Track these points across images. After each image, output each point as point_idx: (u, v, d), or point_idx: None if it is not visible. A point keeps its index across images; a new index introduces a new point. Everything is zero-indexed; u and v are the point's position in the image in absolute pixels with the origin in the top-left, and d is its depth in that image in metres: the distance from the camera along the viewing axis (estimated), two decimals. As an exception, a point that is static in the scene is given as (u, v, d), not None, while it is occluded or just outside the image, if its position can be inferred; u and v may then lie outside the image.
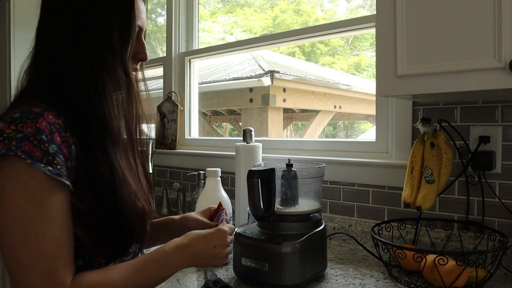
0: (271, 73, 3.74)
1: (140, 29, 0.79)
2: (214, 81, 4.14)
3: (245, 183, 1.00)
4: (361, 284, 1.03)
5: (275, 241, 0.98)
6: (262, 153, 1.50)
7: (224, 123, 5.52)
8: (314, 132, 4.52)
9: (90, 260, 0.73)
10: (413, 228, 1.23)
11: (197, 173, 1.59)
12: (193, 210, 1.29)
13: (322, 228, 1.07)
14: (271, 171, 1.03)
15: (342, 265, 1.17)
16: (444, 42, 0.88)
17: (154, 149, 2.03)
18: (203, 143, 2.02)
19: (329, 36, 1.60)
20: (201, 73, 4.03)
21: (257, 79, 3.77)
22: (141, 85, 0.87)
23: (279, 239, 0.98)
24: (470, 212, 1.17)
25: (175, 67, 2.12)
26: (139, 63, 0.83)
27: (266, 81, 3.71)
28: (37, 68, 0.75)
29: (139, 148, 0.84)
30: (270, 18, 6.42)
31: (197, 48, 2.11)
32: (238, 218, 1.46)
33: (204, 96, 4.15)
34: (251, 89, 3.96)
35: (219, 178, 1.27)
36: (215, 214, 0.99)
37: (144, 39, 0.83)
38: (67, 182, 0.65)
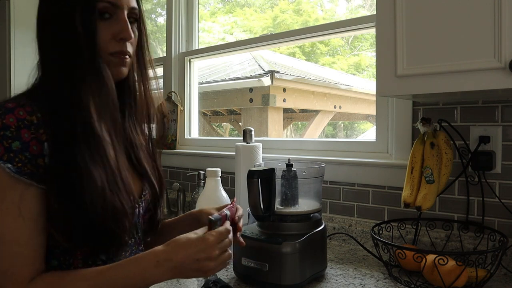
0: (271, 73, 3.74)
1: (114, 5, 0.73)
2: (214, 81, 4.14)
3: (245, 183, 1.00)
4: (361, 284, 1.03)
5: (275, 241, 0.98)
6: (262, 153, 1.50)
7: (224, 123, 5.52)
8: (314, 132, 4.52)
9: (65, 262, 0.71)
10: (413, 228, 1.24)
11: (197, 173, 1.59)
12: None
13: (322, 228, 1.07)
14: (271, 171, 1.03)
15: (342, 265, 1.17)
16: (444, 42, 0.88)
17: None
18: (203, 143, 2.02)
19: (329, 36, 1.60)
20: (201, 73, 4.04)
21: (257, 79, 3.77)
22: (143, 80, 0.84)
23: (279, 239, 0.98)
24: (470, 212, 1.17)
25: (175, 67, 2.12)
26: (126, 44, 0.76)
27: (266, 81, 3.72)
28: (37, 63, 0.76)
29: (134, 143, 0.81)
30: (270, 18, 6.42)
31: (197, 48, 2.11)
32: (238, 218, 1.46)
33: (204, 96, 4.15)
34: (251, 89, 3.96)
35: (219, 178, 1.27)
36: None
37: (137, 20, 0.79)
38: (29, 181, 0.64)
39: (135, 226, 0.80)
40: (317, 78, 4.63)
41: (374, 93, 1.10)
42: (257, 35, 4.11)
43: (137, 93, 0.83)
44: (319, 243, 1.05)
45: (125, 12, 0.74)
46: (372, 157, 1.39)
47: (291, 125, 5.35)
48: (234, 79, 4.05)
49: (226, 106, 4.63)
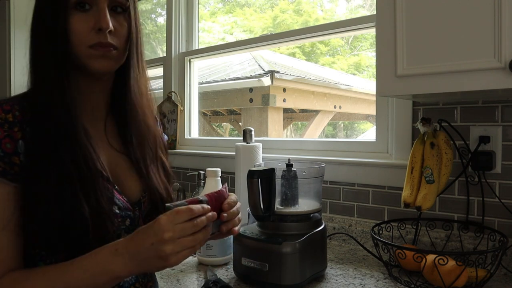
0: (271, 73, 3.74)
1: None
2: (214, 81, 4.14)
3: (245, 183, 1.00)
4: (361, 284, 1.03)
5: (275, 241, 0.98)
6: (262, 153, 1.50)
7: (224, 123, 5.52)
8: (314, 132, 4.52)
9: (51, 264, 0.70)
10: (413, 228, 1.24)
11: (197, 173, 1.59)
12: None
13: (322, 228, 1.07)
14: (271, 171, 1.03)
15: (342, 265, 1.17)
16: (444, 42, 0.88)
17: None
18: (203, 143, 2.02)
19: (329, 36, 1.60)
20: (201, 73, 4.04)
21: (257, 79, 3.77)
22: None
23: (279, 239, 0.98)
24: (470, 212, 1.17)
25: (175, 67, 2.12)
26: (106, 34, 0.72)
27: (266, 81, 3.72)
28: None
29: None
30: (270, 18, 6.43)
31: (197, 48, 2.11)
32: (238, 218, 1.46)
33: (204, 96, 4.15)
34: (251, 89, 3.96)
35: (219, 178, 1.27)
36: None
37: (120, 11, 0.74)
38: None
39: (133, 229, 0.78)
40: (317, 78, 4.63)
41: (374, 93, 1.10)
42: (257, 35, 4.11)
43: (132, 89, 0.80)
44: (319, 243, 1.05)
45: (106, 2, 0.71)
46: (372, 157, 1.39)
47: (291, 125, 5.35)
48: (234, 79, 4.05)
49: (226, 106, 4.63)
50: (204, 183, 1.31)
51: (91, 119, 0.77)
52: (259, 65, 4.02)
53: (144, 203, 0.81)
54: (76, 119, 0.71)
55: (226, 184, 0.81)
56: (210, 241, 1.15)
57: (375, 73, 1.00)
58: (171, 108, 2.11)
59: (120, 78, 0.79)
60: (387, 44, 0.96)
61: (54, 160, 0.67)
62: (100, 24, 0.70)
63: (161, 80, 2.21)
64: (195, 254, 1.23)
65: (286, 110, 4.49)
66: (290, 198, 1.06)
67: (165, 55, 2.16)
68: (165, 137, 0.96)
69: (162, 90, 2.19)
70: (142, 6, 3.04)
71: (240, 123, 4.62)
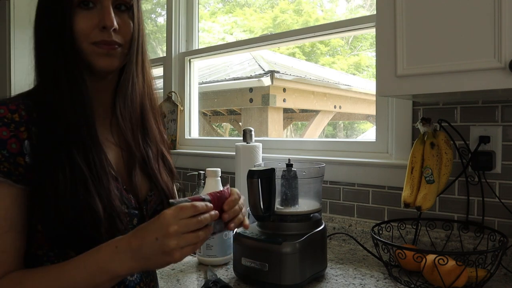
0: (271, 73, 3.74)
1: None
2: (214, 81, 4.14)
3: (245, 183, 1.00)
4: (361, 284, 1.03)
5: (275, 241, 0.98)
6: (262, 153, 1.50)
7: (224, 123, 5.52)
8: (314, 132, 4.52)
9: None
10: (413, 228, 1.24)
11: (197, 173, 1.59)
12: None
13: (322, 228, 1.07)
14: (271, 171, 1.03)
15: (342, 265, 1.17)
16: (444, 42, 0.88)
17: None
18: (203, 143, 2.02)
19: (329, 36, 1.60)
20: (201, 73, 4.04)
21: (257, 79, 3.77)
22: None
23: (279, 239, 0.98)
24: (470, 212, 1.17)
25: (175, 67, 2.12)
26: (109, 32, 0.72)
27: (266, 81, 3.72)
28: None
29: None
30: (270, 18, 6.43)
31: (197, 48, 2.11)
32: (238, 218, 1.46)
33: (204, 96, 4.15)
34: (251, 89, 3.96)
35: (219, 178, 1.27)
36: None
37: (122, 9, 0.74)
38: (3, 179, 0.64)
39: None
40: (317, 78, 4.63)
41: (374, 93, 1.10)
42: (257, 35, 4.11)
43: (135, 88, 0.80)
44: (319, 243, 1.05)
45: (110, 0, 0.71)
46: (372, 157, 1.39)
47: (291, 125, 5.35)
48: (234, 79, 4.05)
49: (226, 106, 4.63)
50: (204, 183, 1.31)
51: (97, 118, 0.77)
52: (259, 65, 4.02)
53: (151, 202, 0.81)
54: (86, 117, 0.71)
55: (228, 185, 0.81)
56: (210, 241, 1.15)
57: (375, 73, 1.00)
58: (171, 108, 2.11)
59: (124, 77, 0.79)
60: (387, 44, 0.96)
61: (66, 159, 0.67)
62: (105, 22, 0.70)
63: (161, 80, 2.21)
64: (194, 253, 1.23)
65: (286, 110, 4.49)
66: (290, 198, 1.06)
67: (165, 55, 2.16)
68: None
69: (162, 90, 2.19)
70: (142, 6, 3.03)
71: (240, 123, 4.62)
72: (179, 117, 2.09)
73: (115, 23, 0.71)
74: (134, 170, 0.79)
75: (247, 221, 0.78)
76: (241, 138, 1.51)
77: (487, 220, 1.14)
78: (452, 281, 0.93)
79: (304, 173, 1.08)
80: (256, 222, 1.09)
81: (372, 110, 3.88)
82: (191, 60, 2.10)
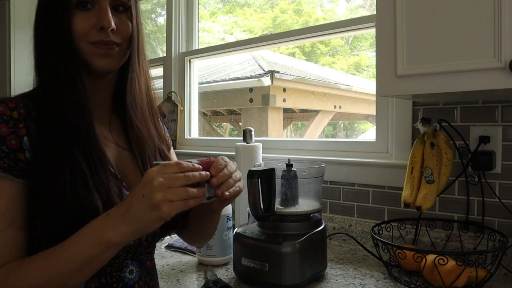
0: (271, 73, 3.74)
1: None
2: (214, 81, 4.14)
3: (245, 183, 1.00)
4: (361, 284, 1.03)
5: (275, 241, 0.98)
6: (262, 153, 1.50)
7: (224, 123, 5.52)
8: (314, 132, 4.52)
9: None
10: (413, 228, 1.24)
11: (197, 173, 1.58)
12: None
13: (322, 228, 1.07)
14: (271, 171, 1.03)
15: (342, 265, 1.17)
16: (444, 42, 0.88)
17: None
18: (203, 143, 2.02)
19: (329, 36, 1.60)
20: (201, 73, 4.04)
21: (257, 79, 3.77)
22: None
23: (279, 239, 0.98)
24: (470, 212, 1.17)
25: (175, 67, 2.12)
26: (107, 32, 0.72)
27: (266, 81, 3.72)
28: None
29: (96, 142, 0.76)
30: (270, 18, 6.43)
31: (197, 48, 2.11)
32: (238, 218, 1.46)
33: (204, 96, 4.15)
34: (251, 89, 3.96)
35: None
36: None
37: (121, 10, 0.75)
38: (4, 174, 0.64)
39: None
40: (317, 78, 4.63)
41: (374, 93, 1.10)
42: (257, 35, 4.11)
43: (132, 87, 0.80)
44: (319, 243, 1.05)
45: (108, 1, 0.72)
46: (372, 157, 1.39)
47: (291, 125, 5.35)
48: (234, 79, 4.05)
49: (226, 106, 4.63)
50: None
51: (96, 117, 0.78)
52: (259, 65, 4.02)
53: None
54: (85, 116, 0.72)
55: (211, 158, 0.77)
56: (210, 241, 1.15)
57: (375, 73, 1.00)
58: (171, 108, 2.11)
59: (122, 77, 0.80)
60: (387, 44, 0.96)
61: (65, 157, 0.68)
62: (102, 22, 0.71)
63: (161, 80, 2.21)
64: (194, 252, 1.23)
65: (286, 110, 4.49)
66: (290, 198, 1.06)
67: (165, 55, 2.16)
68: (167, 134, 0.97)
69: (162, 90, 2.19)
70: (142, 6, 3.04)
71: (240, 123, 4.62)
72: (179, 117, 2.09)
73: (112, 23, 0.72)
74: (133, 168, 0.80)
75: (241, 185, 0.75)
76: (241, 138, 1.51)
77: (487, 220, 1.14)
78: (452, 281, 0.93)
79: (304, 173, 1.08)
80: (256, 222, 1.09)
81: (372, 110, 3.88)
82: (191, 60, 2.10)
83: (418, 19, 0.92)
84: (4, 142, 0.65)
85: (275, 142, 1.69)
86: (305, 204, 1.08)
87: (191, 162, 0.67)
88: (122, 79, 0.80)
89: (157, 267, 1.15)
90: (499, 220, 1.13)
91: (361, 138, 4.33)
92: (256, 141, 1.52)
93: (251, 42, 1.84)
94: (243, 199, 1.42)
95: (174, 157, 0.93)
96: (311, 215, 1.06)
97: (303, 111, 4.80)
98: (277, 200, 1.06)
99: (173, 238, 1.39)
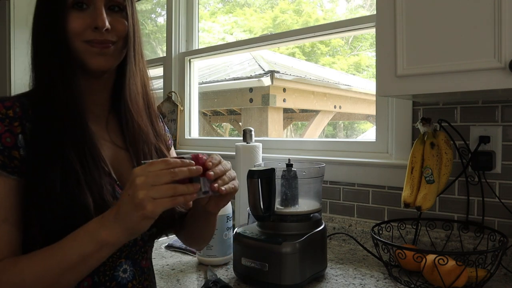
0: (271, 73, 3.74)
1: None
2: (214, 81, 4.14)
3: (245, 183, 1.00)
4: (361, 284, 1.03)
5: (275, 241, 0.98)
6: (262, 153, 1.50)
7: (224, 123, 5.52)
8: (314, 132, 4.52)
9: None
10: (413, 228, 1.24)
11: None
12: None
13: (322, 228, 1.07)
14: (271, 171, 1.03)
15: (342, 265, 1.17)
16: (444, 42, 0.88)
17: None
18: (203, 143, 2.02)
19: (329, 36, 1.60)
20: (201, 73, 4.04)
21: (257, 79, 3.77)
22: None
23: (279, 239, 0.98)
24: (470, 212, 1.17)
25: (175, 67, 2.12)
26: (102, 32, 0.73)
27: (266, 81, 3.72)
28: None
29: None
30: (270, 19, 6.43)
31: (197, 48, 2.11)
32: (238, 218, 1.46)
33: (204, 96, 4.15)
34: (251, 89, 3.96)
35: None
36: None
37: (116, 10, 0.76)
38: None
39: None
40: (317, 78, 4.63)
41: (374, 93, 1.10)
42: (257, 35, 4.11)
43: (128, 87, 0.80)
44: (319, 243, 1.05)
45: (103, 1, 0.73)
46: (372, 157, 1.39)
47: (291, 125, 5.35)
48: (234, 79, 4.05)
49: (226, 106, 4.63)
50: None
51: (93, 116, 0.78)
52: (259, 65, 4.02)
53: None
54: (79, 115, 0.73)
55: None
56: (211, 241, 1.15)
57: (375, 73, 1.00)
58: (171, 108, 2.11)
59: (120, 76, 0.80)
60: (387, 44, 0.96)
61: (58, 155, 0.68)
62: (96, 22, 0.71)
63: (161, 80, 2.21)
64: (194, 253, 1.23)
65: (286, 110, 4.49)
66: (290, 198, 1.06)
67: (165, 55, 2.16)
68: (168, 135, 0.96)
69: (162, 90, 2.19)
70: (142, 6, 3.04)
71: (240, 123, 4.62)
72: (179, 117, 2.09)
73: (107, 23, 0.72)
74: (129, 167, 0.80)
75: (236, 184, 0.73)
76: (241, 138, 1.51)
77: (487, 220, 1.14)
78: (452, 281, 0.93)
79: (304, 173, 1.08)
80: (256, 222, 1.09)
81: (372, 110, 3.88)
82: (191, 60, 2.10)
83: (418, 19, 0.92)
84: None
85: (275, 142, 1.69)
86: (305, 204, 1.08)
87: (182, 157, 0.66)
88: (120, 79, 0.80)
89: (157, 267, 1.15)
90: (499, 220, 1.13)
91: (361, 138, 4.33)
92: (256, 141, 1.52)
93: (251, 42, 1.84)
94: (243, 199, 1.42)
95: (172, 155, 0.92)
96: (311, 215, 1.06)
97: (303, 111, 4.79)
98: (277, 200, 1.06)
99: (173, 238, 1.39)
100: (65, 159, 0.69)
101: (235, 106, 4.51)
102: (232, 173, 0.74)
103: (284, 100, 4.02)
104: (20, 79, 2.47)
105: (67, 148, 0.69)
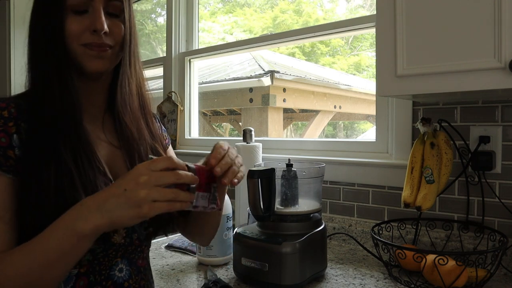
0: (271, 73, 3.74)
1: None
2: (214, 81, 4.14)
3: (245, 183, 1.00)
4: (361, 284, 1.03)
5: (275, 241, 0.98)
6: (262, 153, 1.50)
7: (224, 123, 5.52)
8: (314, 132, 4.52)
9: None
10: (413, 228, 1.24)
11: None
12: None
13: (322, 228, 1.07)
14: (271, 171, 1.03)
15: (342, 265, 1.17)
16: (444, 42, 0.88)
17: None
18: (203, 143, 2.02)
19: (329, 36, 1.60)
20: (201, 73, 4.04)
21: (257, 79, 3.77)
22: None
23: (279, 239, 0.98)
24: (470, 212, 1.17)
25: (175, 67, 2.12)
26: (101, 35, 0.73)
27: (266, 81, 3.72)
28: None
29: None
30: (270, 18, 6.43)
31: (197, 48, 2.11)
32: (238, 218, 1.46)
33: (204, 96, 4.15)
34: (251, 89, 3.96)
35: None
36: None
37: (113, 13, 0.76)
38: None
39: (131, 227, 0.77)
40: (317, 78, 4.63)
41: (374, 93, 1.10)
42: (257, 35, 4.11)
43: (127, 88, 0.81)
44: (319, 243, 1.05)
45: (101, 4, 0.73)
46: (372, 157, 1.39)
47: (291, 125, 5.35)
48: (234, 79, 4.05)
49: (226, 106, 4.63)
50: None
51: (89, 117, 0.79)
52: (259, 65, 4.02)
53: None
54: (75, 116, 0.73)
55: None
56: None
57: (375, 73, 1.00)
58: (171, 108, 2.11)
59: (116, 78, 0.81)
60: (387, 44, 0.96)
61: (52, 154, 0.69)
62: (95, 25, 0.72)
63: (161, 80, 2.21)
64: (194, 252, 1.23)
65: (286, 110, 4.49)
66: (290, 198, 1.06)
67: (165, 55, 2.16)
68: (165, 134, 0.97)
69: (162, 90, 2.19)
70: (142, 6, 3.04)
71: (240, 123, 4.62)
72: (179, 117, 2.09)
73: (105, 26, 0.73)
74: (125, 166, 0.81)
75: (241, 173, 0.73)
76: (241, 138, 1.51)
77: (487, 220, 1.14)
78: (452, 281, 0.93)
79: (304, 173, 1.08)
80: (256, 222, 1.09)
81: (372, 110, 3.88)
82: (191, 60, 2.10)
83: (418, 19, 0.92)
84: None
85: (275, 142, 1.69)
86: (305, 204, 1.08)
87: (186, 164, 0.65)
88: (116, 80, 0.81)
89: (157, 267, 1.15)
90: (499, 220, 1.13)
91: (361, 138, 4.33)
92: (256, 141, 1.52)
93: (251, 42, 1.84)
94: (243, 199, 1.42)
95: (172, 156, 0.93)
96: (311, 215, 1.06)
97: (303, 111, 4.79)
98: (277, 200, 1.06)
99: (173, 238, 1.39)
100: (60, 158, 0.69)
101: (235, 106, 4.51)
102: (240, 159, 0.76)
103: (284, 100, 4.02)
104: (20, 79, 2.48)
105: (62, 148, 0.70)
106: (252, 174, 0.98)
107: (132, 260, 0.80)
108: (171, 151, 0.96)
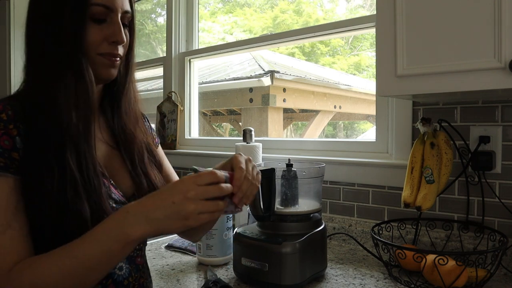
0: (271, 73, 3.74)
1: (109, 9, 0.73)
2: (214, 81, 4.14)
3: (245, 183, 1.00)
4: (361, 284, 1.03)
5: (275, 241, 0.98)
6: (262, 153, 1.50)
7: (224, 123, 5.52)
8: (314, 132, 4.52)
9: None
10: (413, 228, 1.24)
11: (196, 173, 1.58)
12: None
13: (322, 228, 1.07)
14: (271, 171, 1.03)
15: (342, 265, 1.17)
16: (444, 42, 0.88)
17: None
18: (203, 143, 2.02)
19: (329, 36, 1.60)
20: (201, 73, 4.04)
21: (257, 79, 3.77)
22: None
23: (279, 239, 0.98)
24: (470, 212, 1.17)
25: (175, 67, 2.12)
26: (118, 47, 0.76)
27: (266, 81, 3.72)
28: None
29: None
30: (270, 18, 6.43)
31: (197, 48, 2.11)
32: (238, 218, 1.46)
33: (204, 96, 4.15)
34: (251, 89, 3.96)
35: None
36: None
37: (130, 25, 0.79)
38: (2, 172, 0.65)
39: None
40: (317, 78, 4.63)
41: (374, 93, 1.10)
42: (257, 35, 4.11)
43: (126, 94, 0.84)
44: (319, 243, 1.05)
45: (119, 15, 0.75)
46: (372, 157, 1.39)
47: (291, 125, 5.35)
48: (234, 79, 4.05)
49: (226, 106, 4.63)
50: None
51: None
52: (259, 65, 4.02)
53: (138, 197, 0.82)
54: (87, 120, 0.73)
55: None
56: (210, 241, 1.15)
57: (375, 73, 1.00)
58: (171, 108, 2.11)
59: (122, 85, 0.84)
60: (387, 44, 0.96)
61: (57, 162, 0.68)
62: (116, 37, 0.74)
63: (161, 80, 2.21)
64: (196, 252, 1.23)
65: (286, 110, 4.49)
66: (290, 198, 1.06)
67: (165, 55, 2.16)
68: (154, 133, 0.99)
69: (162, 90, 2.19)
70: (142, 6, 3.04)
71: (240, 123, 4.61)
72: (179, 117, 2.09)
73: (125, 39, 0.76)
74: (120, 166, 0.82)
75: (259, 179, 0.79)
76: (241, 138, 1.51)
77: (487, 220, 1.14)
78: (452, 281, 0.93)
79: (304, 173, 1.08)
80: (256, 222, 1.09)
81: (372, 110, 3.88)
82: (191, 60, 2.10)
83: (418, 19, 0.92)
84: None
85: (275, 142, 1.69)
86: (305, 204, 1.08)
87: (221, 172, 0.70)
88: (114, 82, 0.83)
89: (157, 267, 1.15)
90: (499, 220, 1.13)
91: (361, 138, 4.33)
92: (256, 141, 1.52)
93: (251, 42, 1.84)
94: (243, 199, 1.42)
95: (161, 154, 0.97)
96: (311, 215, 1.06)
97: (303, 111, 4.79)
98: (277, 200, 1.06)
99: (173, 238, 1.39)
100: (64, 165, 0.68)
101: (235, 106, 4.51)
102: (256, 171, 0.79)
103: (284, 100, 4.02)
104: (20, 79, 2.47)
105: (67, 153, 0.69)
106: (252, 174, 0.98)
107: (131, 258, 0.81)
108: (160, 151, 0.98)
